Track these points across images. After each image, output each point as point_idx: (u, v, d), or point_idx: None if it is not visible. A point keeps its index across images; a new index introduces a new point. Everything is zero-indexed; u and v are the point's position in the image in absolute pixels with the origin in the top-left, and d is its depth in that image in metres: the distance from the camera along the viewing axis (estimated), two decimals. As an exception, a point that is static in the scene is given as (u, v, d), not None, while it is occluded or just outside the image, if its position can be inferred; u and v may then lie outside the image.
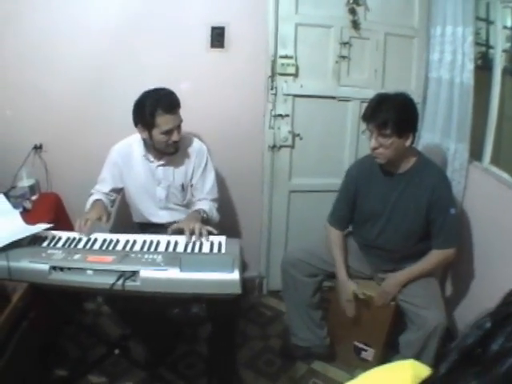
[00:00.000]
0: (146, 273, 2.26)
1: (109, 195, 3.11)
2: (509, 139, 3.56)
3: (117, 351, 2.95)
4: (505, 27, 3.45)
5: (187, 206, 3.18)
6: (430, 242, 3.05)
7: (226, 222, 3.04)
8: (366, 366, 3.15)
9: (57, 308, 2.91)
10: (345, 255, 3.22)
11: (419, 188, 2.96)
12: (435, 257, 3.05)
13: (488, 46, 3.61)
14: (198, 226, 2.66)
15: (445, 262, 3.21)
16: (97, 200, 3.01)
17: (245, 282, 3.87)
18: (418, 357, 2.87)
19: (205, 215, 2.98)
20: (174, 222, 2.98)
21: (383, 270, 3.20)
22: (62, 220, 3.33)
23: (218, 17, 3.45)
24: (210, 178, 3.16)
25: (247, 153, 3.81)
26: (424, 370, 0.88)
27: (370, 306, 3.13)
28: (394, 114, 2.76)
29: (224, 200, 3.50)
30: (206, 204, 3.09)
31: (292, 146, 3.81)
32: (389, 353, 3.23)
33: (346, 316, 3.21)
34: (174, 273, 2.25)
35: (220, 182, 3.41)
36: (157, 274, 2.27)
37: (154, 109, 2.81)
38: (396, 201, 3.02)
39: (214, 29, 3.47)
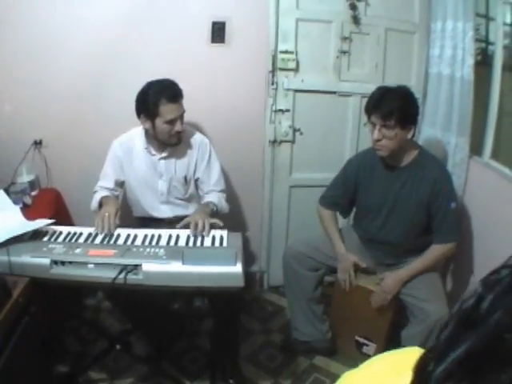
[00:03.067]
0: (148, 266, 2.26)
1: (113, 190, 3.12)
2: (508, 134, 3.60)
3: (118, 347, 2.97)
4: (505, 24, 3.49)
5: (189, 200, 3.21)
6: (431, 235, 3.06)
7: (227, 215, 3.09)
8: (368, 361, 3.18)
9: (58, 303, 2.92)
10: (339, 232, 3.27)
11: (420, 182, 2.98)
12: (435, 252, 3.07)
13: (487, 42, 3.65)
14: (201, 220, 2.69)
15: (445, 257, 3.25)
16: (105, 196, 3.02)
17: (246, 276, 3.89)
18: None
19: (214, 208, 3.04)
20: (175, 217, 3.08)
21: (385, 264, 3.22)
22: (61, 215, 3.35)
23: (218, 12, 3.47)
24: (216, 169, 3.20)
25: (248, 147, 3.85)
26: None
27: (366, 297, 3.15)
28: (398, 104, 2.79)
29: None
30: (214, 196, 3.13)
31: (293, 141, 3.84)
32: (390, 348, 3.21)
33: (348, 311, 3.24)
34: (176, 266, 2.26)
35: (221, 175, 3.51)
36: (159, 268, 2.27)
37: (158, 98, 2.85)
38: (397, 194, 3.04)
39: (214, 24, 3.49)
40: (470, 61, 3.42)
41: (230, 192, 3.73)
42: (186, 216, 2.94)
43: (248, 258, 4.02)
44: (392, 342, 3.19)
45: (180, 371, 3.15)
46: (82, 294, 3.62)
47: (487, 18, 3.59)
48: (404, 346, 2.57)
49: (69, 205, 3.62)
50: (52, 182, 3.61)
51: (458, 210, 3.11)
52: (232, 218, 3.08)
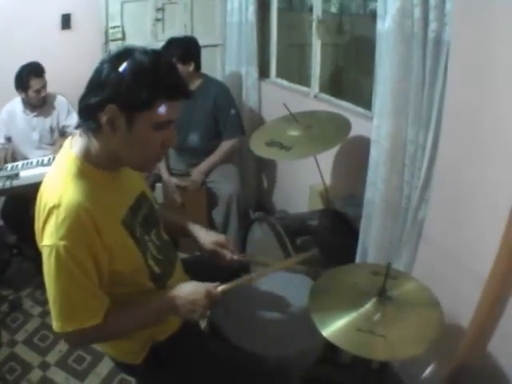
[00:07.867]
0: (24, 173, 3.71)
1: (4, 144, 4.35)
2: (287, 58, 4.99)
3: (15, 251, 4.32)
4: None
5: (54, 144, 4.42)
6: (222, 139, 4.25)
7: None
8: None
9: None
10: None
11: (206, 100, 4.10)
12: (224, 147, 4.20)
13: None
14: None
15: (233, 149, 4.34)
16: None
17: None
18: (225, 221, 4.15)
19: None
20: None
21: (193, 164, 4.32)
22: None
23: (65, 6, 4.75)
24: (74, 115, 4.43)
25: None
26: None
27: (188, 194, 4.24)
28: (176, 47, 3.97)
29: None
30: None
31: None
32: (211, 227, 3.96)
33: (174, 205, 4.26)
34: (43, 169, 3.61)
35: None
36: (32, 172, 3.71)
37: (28, 76, 4.08)
38: (191, 112, 4.09)
39: (63, 16, 4.74)
40: (252, 8, 4.67)
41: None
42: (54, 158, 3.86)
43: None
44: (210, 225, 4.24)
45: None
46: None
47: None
48: (214, 218, 4.42)
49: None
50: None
51: (238, 115, 4.27)
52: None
